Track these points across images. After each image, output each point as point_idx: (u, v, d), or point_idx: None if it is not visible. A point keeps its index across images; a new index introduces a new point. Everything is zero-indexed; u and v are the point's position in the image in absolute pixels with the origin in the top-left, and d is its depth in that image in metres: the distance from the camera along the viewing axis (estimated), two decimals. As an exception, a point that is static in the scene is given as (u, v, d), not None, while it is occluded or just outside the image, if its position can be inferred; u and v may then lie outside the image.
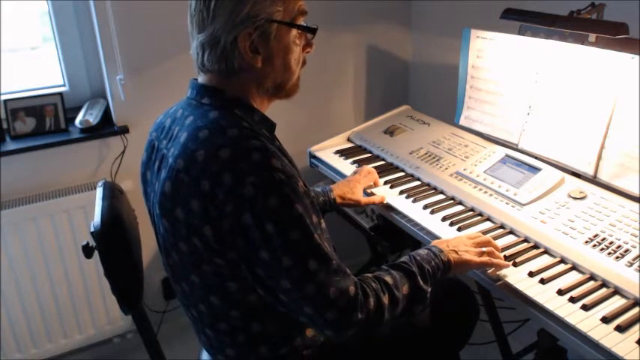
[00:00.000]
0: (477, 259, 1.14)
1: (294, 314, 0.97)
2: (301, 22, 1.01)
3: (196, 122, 0.97)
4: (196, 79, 1.05)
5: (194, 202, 0.91)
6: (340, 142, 1.86)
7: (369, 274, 1.03)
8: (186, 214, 0.93)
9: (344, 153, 1.77)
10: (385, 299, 0.99)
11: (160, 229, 1.02)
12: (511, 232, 1.30)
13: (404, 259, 1.10)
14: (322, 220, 1.01)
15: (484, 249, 1.17)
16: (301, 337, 1.09)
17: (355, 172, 1.57)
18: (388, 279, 1.03)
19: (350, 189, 1.49)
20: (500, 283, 1.14)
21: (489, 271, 1.16)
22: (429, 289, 1.07)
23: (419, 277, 1.05)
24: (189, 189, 0.92)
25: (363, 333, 0.97)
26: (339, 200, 1.48)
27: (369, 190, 1.53)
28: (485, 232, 1.29)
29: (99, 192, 1.17)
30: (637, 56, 1.24)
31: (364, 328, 0.96)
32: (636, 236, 1.18)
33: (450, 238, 1.22)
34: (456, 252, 1.15)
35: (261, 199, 0.88)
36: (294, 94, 1.08)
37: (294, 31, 1.00)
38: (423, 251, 1.13)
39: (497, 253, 1.18)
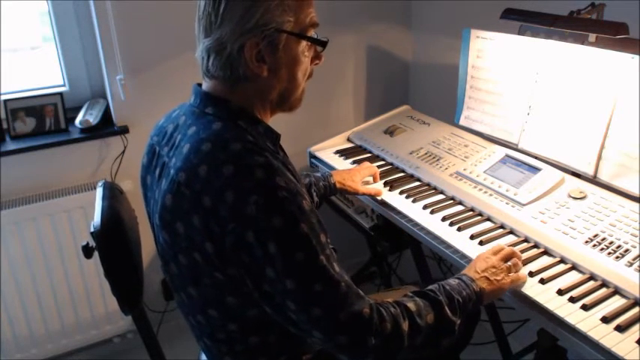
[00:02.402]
0: (507, 280, 1.09)
1: (307, 336, 0.94)
2: (312, 33, 0.98)
3: (199, 133, 0.94)
4: (199, 85, 1.02)
5: (195, 217, 0.89)
6: (340, 142, 1.86)
7: (390, 300, 0.98)
8: (187, 228, 0.91)
9: (344, 153, 1.77)
10: (405, 326, 0.94)
11: (160, 238, 1.00)
12: (511, 232, 1.30)
13: (432, 287, 1.04)
14: (328, 239, 0.95)
15: (509, 262, 1.12)
16: (300, 344, 1.07)
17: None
18: (411, 305, 0.97)
19: (350, 176, 1.52)
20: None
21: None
22: (458, 321, 1.01)
23: (446, 308, 1.00)
24: (190, 204, 0.90)
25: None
26: (339, 185, 1.50)
27: (368, 186, 1.54)
28: (485, 232, 1.29)
29: (99, 192, 1.17)
30: (637, 56, 1.24)
31: (382, 354, 0.92)
32: (636, 236, 1.18)
33: (475, 260, 1.15)
34: (488, 278, 1.09)
35: (264, 218, 0.85)
36: (296, 107, 1.06)
37: (304, 43, 0.97)
38: (453, 281, 1.07)
39: (520, 264, 1.13)
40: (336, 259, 0.94)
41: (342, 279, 0.91)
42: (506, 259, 1.14)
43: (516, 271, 1.12)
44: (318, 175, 1.51)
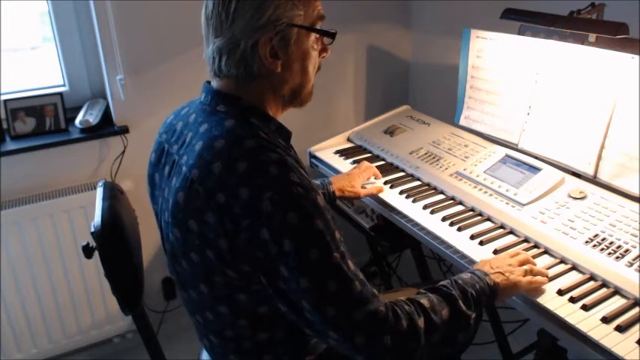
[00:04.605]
0: (524, 279, 1.08)
1: (322, 339, 0.93)
2: (319, 26, 1.00)
3: (212, 131, 0.94)
4: (209, 83, 1.02)
5: (209, 214, 0.89)
6: (340, 142, 1.86)
7: (403, 298, 0.97)
8: (201, 226, 0.91)
9: (344, 153, 1.77)
10: (420, 323, 0.93)
11: (170, 236, 0.99)
12: (511, 232, 1.30)
13: (444, 282, 1.03)
14: (342, 237, 0.94)
15: (525, 267, 1.11)
16: (305, 343, 1.07)
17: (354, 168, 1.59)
18: (424, 302, 0.96)
19: (349, 182, 1.51)
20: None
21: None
22: (473, 315, 0.99)
23: (460, 302, 0.98)
24: (204, 201, 0.89)
25: None
26: (338, 193, 1.49)
27: (367, 186, 1.54)
28: (485, 232, 1.29)
29: (99, 192, 1.17)
30: (637, 56, 1.24)
31: (399, 353, 0.91)
32: (636, 236, 1.18)
33: (490, 258, 1.15)
34: (502, 273, 1.07)
35: (278, 215, 0.85)
36: (307, 102, 1.06)
37: (313, 36, 0.99)
38: (465, 275, 1.06)
39: (538, 269, 1.12)
40: (351, 256, 0.93)
41: (356, 277, 0.90)
42: (522, 263, 1.12)
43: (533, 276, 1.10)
44: (317, 183, 1.49)
